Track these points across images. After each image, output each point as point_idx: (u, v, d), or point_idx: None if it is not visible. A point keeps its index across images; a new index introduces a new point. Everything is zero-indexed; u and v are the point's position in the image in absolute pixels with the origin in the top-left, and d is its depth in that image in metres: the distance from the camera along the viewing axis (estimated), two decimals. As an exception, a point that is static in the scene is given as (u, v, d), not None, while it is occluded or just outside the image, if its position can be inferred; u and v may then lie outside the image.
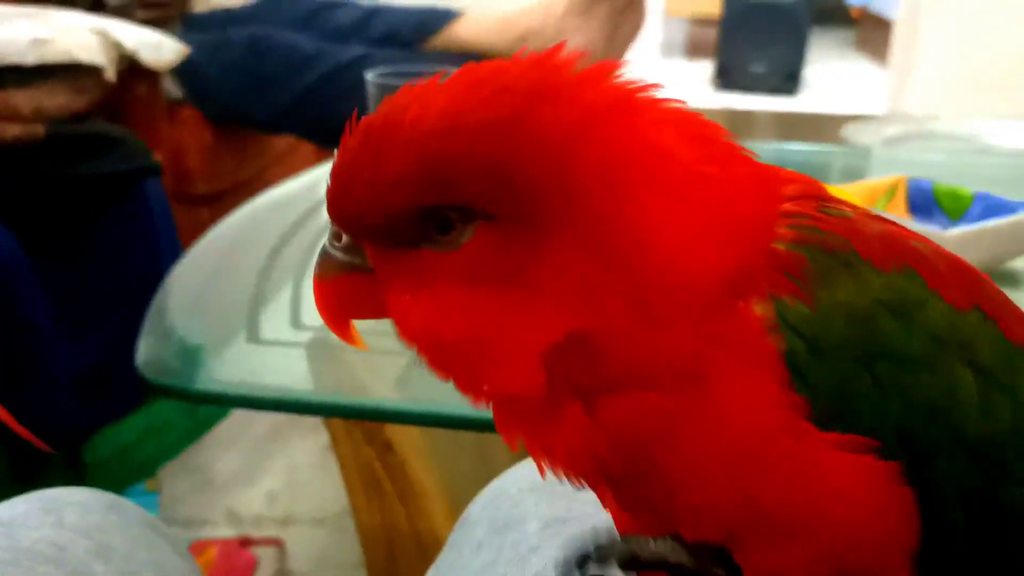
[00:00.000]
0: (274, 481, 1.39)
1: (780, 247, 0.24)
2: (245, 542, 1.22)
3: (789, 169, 0.27)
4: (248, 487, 1.38)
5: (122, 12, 1.39)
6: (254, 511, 1.33)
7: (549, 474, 0.26)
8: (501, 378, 0.24)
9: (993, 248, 0.73)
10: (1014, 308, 0.27)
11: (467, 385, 0.25)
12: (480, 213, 0.24)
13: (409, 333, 0.26)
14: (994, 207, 0.76)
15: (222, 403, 0.56)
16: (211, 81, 1.35)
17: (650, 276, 0.23)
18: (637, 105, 0.24)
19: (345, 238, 0.26)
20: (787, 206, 0.25)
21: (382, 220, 0.25)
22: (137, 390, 0.93)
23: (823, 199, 0.26)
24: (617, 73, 0.25)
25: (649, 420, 0.23)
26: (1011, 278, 0.73)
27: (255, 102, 1.36)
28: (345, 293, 0.27)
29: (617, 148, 0.24)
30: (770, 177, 0.26)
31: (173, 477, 1.37)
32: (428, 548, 0.69)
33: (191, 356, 0.60)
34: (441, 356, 0.25)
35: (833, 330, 0.23)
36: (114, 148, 1.05)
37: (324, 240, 0.27)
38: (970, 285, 0.26)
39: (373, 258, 0.26)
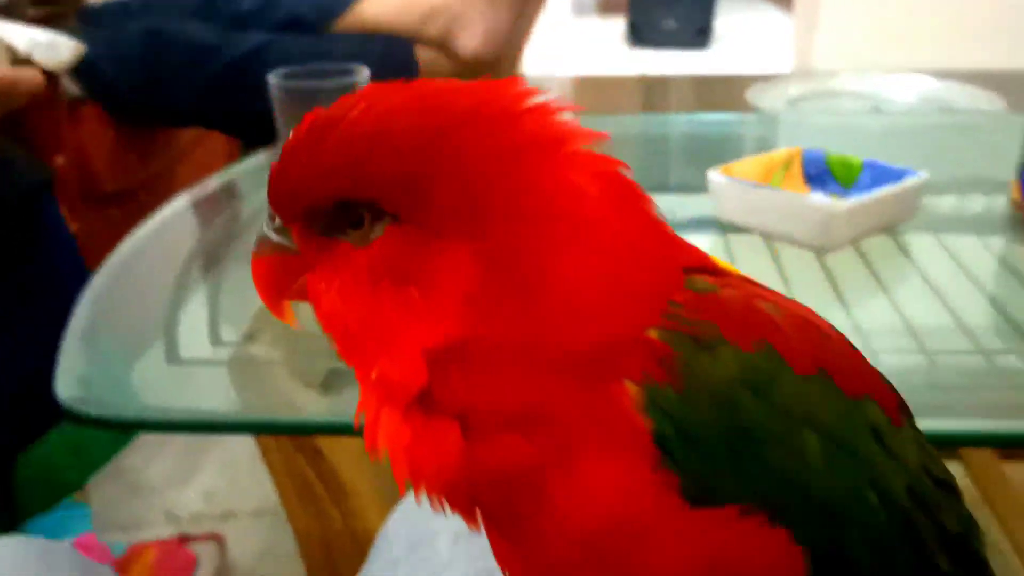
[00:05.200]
0: (211, 479, 1.39)
1: (653, 334, 0.26)
2: (183, 540, 1.21)
3: (687, 243, 0.29)
4: (184, 486, 1.37)
5: (11, 11, 1.34)
6: (192, 510, 1.32)
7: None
8: (387, 366, 0.26)
9: (880, 216, 0.77)
10: (851, 355, 0.29)
11: (361, 372, 0.28)
12: (390, 214, 0.26)
13: (321, 315, 0.28)
14: (882, 174, 0.80)
15: (145, 429, 0.56)
16: (110, 77, 1.30)
17: (536, 307, 0.25)
18: (568, 147, 0.26)
19: (278, 220, 0.29)
20: (673, 294, 0.27)
21: (307, 206, 0.27)
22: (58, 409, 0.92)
23: (704, 272, 0.28)
24: (561, 113, 0.26)
25: (520, 467, 0.25)
26: (899, 243, 0.78)
27: (158, 97, 1.33)
28: (276, 272, 0.29)
29: (534, 182, 0.25)
30: (673, 252, 0.28)
31: (105, 483, 1.35)
32: (364, 545, 0.71)
33: (110, 382, 0.61)
34: (343, 341, 0.28)
35: (698, 412, 0.25)
36: (3, 169, 1.01)
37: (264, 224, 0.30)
38: (815, 344, 0.28)
39: (299, 242, 0.28)
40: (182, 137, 1.58)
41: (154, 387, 0.60)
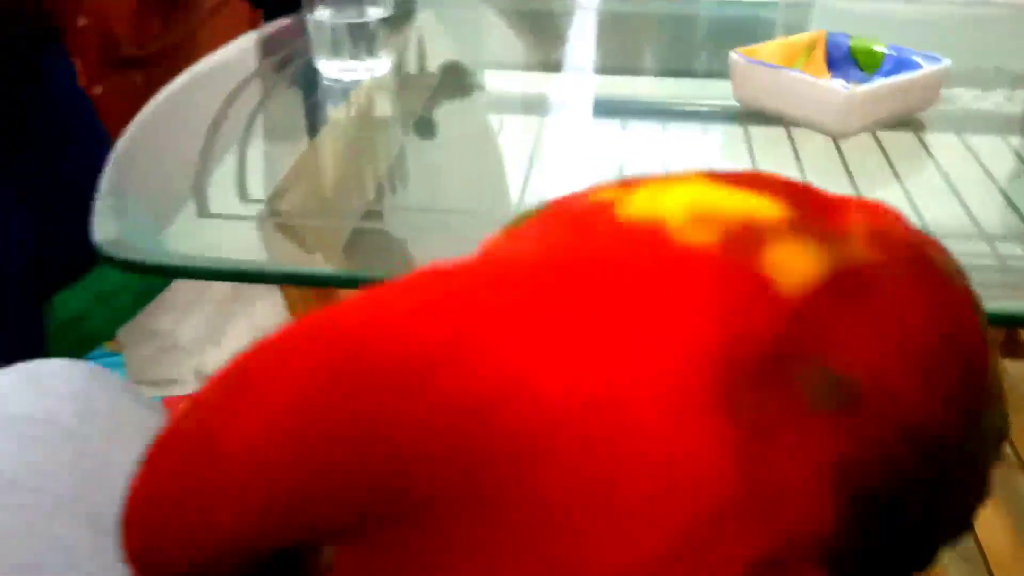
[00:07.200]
0: (239, 341, 1.44)
1: None
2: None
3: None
4: (214, 347, 1.43)
5: None
6: (219, 369, 1.38)
7: None
8: None
9: (899, 102, 0.78)
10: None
11: None
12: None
13: None
14: (903, 63, 0.80)
15: (181, 275, 0.60)
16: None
17: None
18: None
19: None
20: None
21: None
22: (82, 259, 0.95)
23: None
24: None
25: None
26: (916, 132, 0.78)
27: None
28: None
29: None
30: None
31: (136, 342, 1.41)
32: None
33: (144, 232, 0.64)
34: None
35: None
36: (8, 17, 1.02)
37: None
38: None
39: None
40: (204, 3, 1.57)
41: (186, 238, 0.63)
